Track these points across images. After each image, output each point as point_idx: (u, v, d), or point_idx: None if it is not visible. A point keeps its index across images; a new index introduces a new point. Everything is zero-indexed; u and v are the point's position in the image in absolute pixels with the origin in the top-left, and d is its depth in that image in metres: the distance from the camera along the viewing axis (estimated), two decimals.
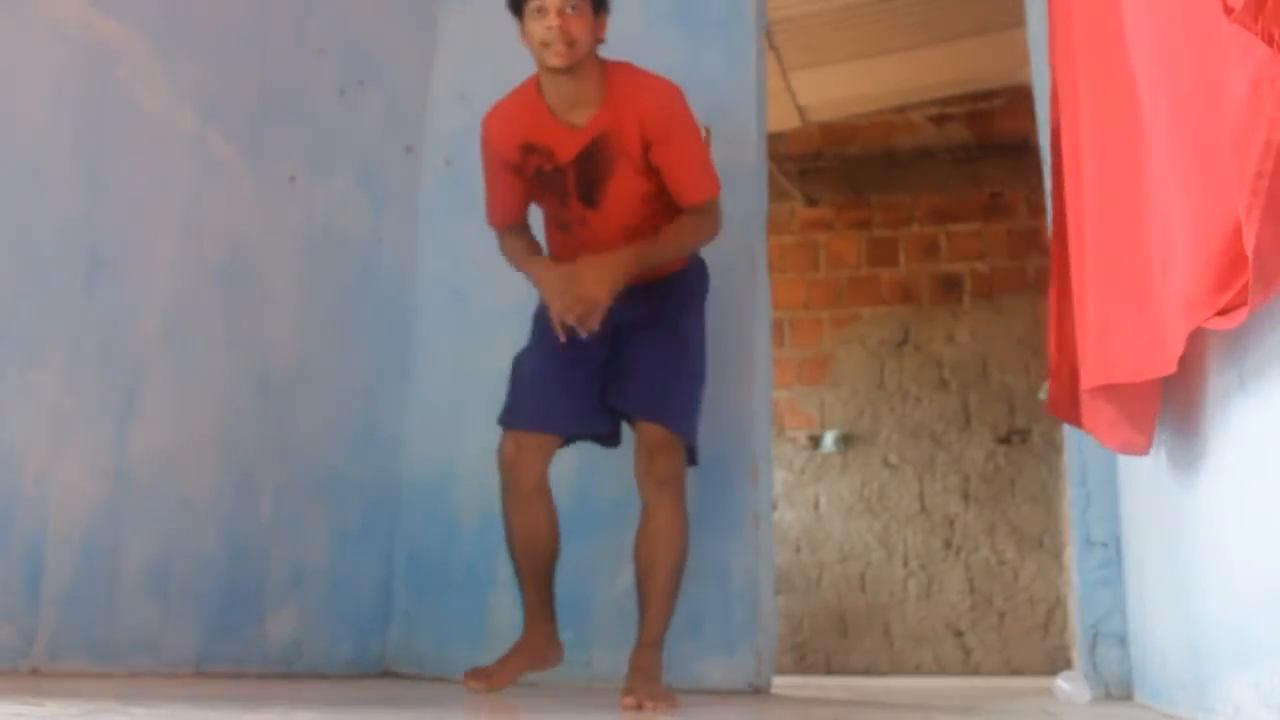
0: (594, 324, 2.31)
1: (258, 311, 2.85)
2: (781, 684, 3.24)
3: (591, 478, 3.03)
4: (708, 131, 3.12)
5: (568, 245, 2.52)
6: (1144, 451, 1.93)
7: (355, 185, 3.23)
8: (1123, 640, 2.61)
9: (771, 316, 3.29)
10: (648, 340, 2.47)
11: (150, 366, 2.53)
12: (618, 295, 2.34)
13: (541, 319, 2.48)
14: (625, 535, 2.97)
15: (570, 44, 2.30)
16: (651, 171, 2.42)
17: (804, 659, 5.98)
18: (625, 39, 3.31)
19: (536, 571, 2.48)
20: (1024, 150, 5.54)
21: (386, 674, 3.10)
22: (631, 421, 2.50)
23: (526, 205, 2.60)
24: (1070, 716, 2.10)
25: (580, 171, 2.42)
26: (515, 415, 2.46)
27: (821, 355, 6.35)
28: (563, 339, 2.34)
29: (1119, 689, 2.60)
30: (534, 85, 2.44)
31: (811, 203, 6.53)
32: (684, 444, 2.45)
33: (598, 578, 2.99)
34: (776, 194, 6.02)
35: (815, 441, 6.23)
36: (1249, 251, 1.08)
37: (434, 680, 3.00)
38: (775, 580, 3.48)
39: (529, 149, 2.45)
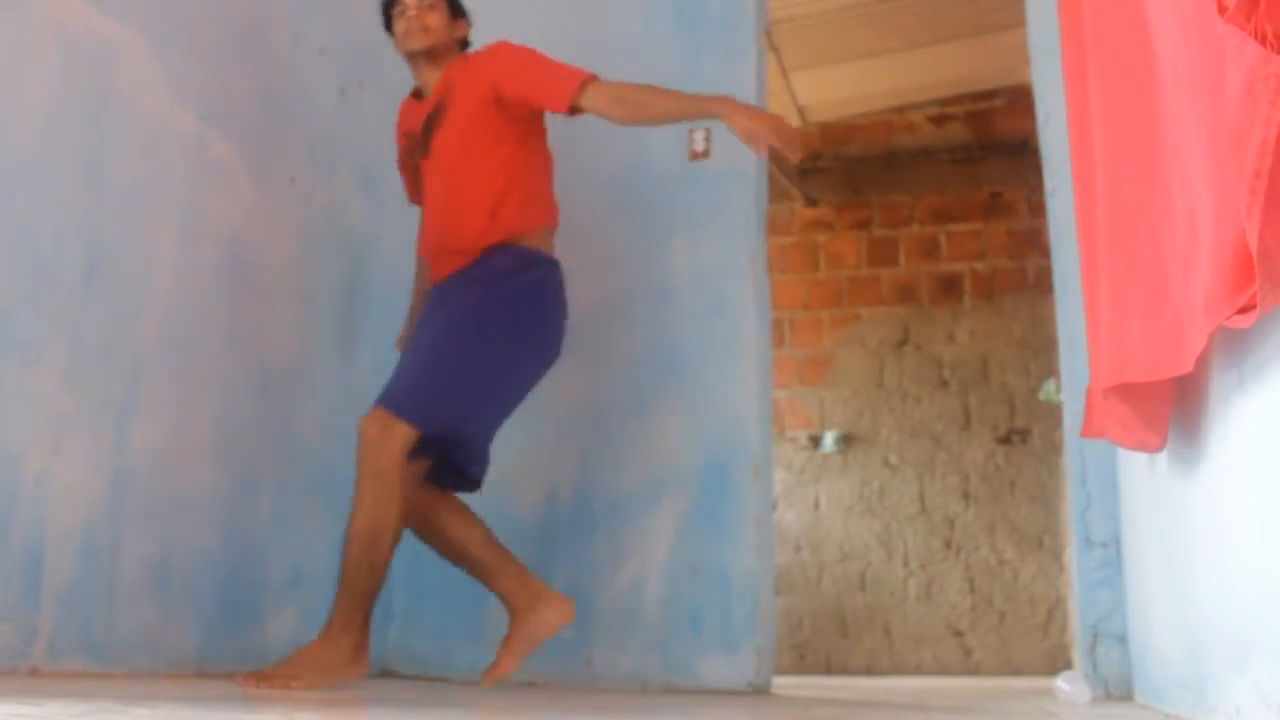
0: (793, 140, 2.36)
1: (258, 311, 2.85)
2: (781, 684, 3.24)
3: (591, 477, 3.03)
4: (708, 133, 3.12)
5: (424, 213, 2.70)
6: (1158, 449, 1.92)
7: (355, 185, 3.23)
8: (1123, 640, 2.61)
9: (771, 316, 3.29)
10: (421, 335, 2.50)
11: (150, 366, 2.53)
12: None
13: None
14: (625, 535, 2.98)
15: (424, 30, 2.58)
16: (480, 125, 2.52)
17: (804, 659, 5.98)
18: (625, 39, 3.31)
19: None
20: (1024, 150, 5.55)
21: (386, 674, 3.10)
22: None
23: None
24: (1070, 716, 2.10)
25: (423, 133, 2.62)
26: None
27: (821, 355, 6.35)
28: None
29: (1119, 689, 2.60)
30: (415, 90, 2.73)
31: (811, 203, 6.53)
32: (391, 416, 2.33)
33: (598, 578, 2.99)
34: (776, 194, 6.02)
35: (815, 441, 6.23)
36: (1252, 251, 1.08)
37: (434, 680, 3.00)
38: (775, 580, 3.48)
39: (406, 134, 2.72)
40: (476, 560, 2.50)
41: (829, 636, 6.02)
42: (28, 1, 2.31)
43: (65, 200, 2.36)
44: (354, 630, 2.28)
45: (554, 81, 2.49)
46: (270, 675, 2.19)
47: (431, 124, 2.60)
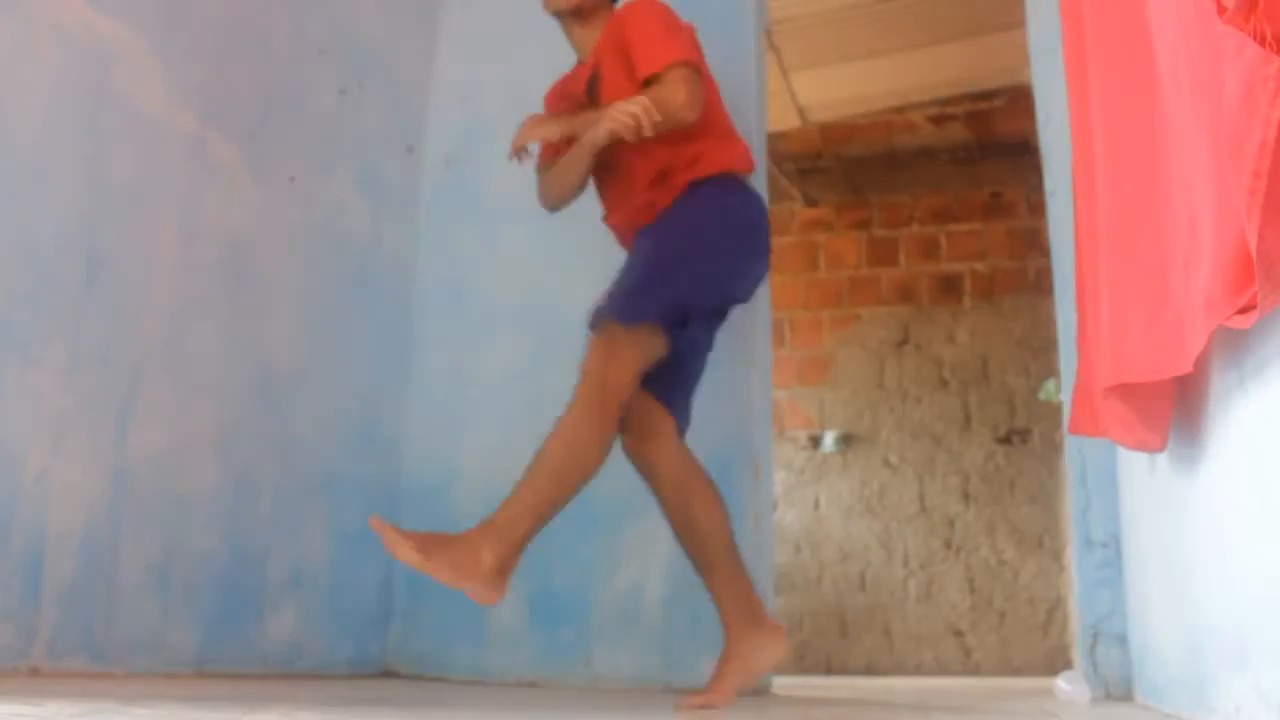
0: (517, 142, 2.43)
1: (258, 312, 2.85)
2: (781, 684, 3.24)
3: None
4: None
5: (605, 188, 2.57)
6: (1159, 449, 1.92)
7: (355, 185, 3.23)
8: (1123, 640, 2.61)
9: (771, 316, 3.29)
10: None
11: (150, 366, 2.53)
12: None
13: None
14: (625, 535, 2.98)
15: None
16: (629, 84, 2.38)
17: (804, 659, 5.98)
18: None
19: (703, 564, 2.27)
20: (1024, 150, 5.55)
21: (386, 674, 3.11)
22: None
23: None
24: (1070, 716, 2.10)
25: (585, 106, 2.47)
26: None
27: (821, 355, 6.35)
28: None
29: (1119, 689, 2.60)
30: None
31: (811, 203, 6.53)
32: (612, 323, 2.19)
33: (598, 577, 2.99)
34: (776, 194, 6.02)
35: (815, 441, 6.23)
36: (1252, 252, 1.08)
37: (434, 680, 3.00)
38: (775, 580, 3.48)
39: (565, 98, 2.56)
40: (711, 547, 2.28)
41: (829, 636, 6.02)
42: (27, 1, 2.31)
43: (65, 200, 2.36)
44: (508, 546, 2.02)
45: (654, 51, 2.35)
46: (399, 537, 1.94)
47: (592, 91, 2.47)
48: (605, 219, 2.60)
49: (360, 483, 3.11)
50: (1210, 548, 1.67)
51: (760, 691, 2.83)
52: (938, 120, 6.39)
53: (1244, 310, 1.24)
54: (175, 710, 1.52)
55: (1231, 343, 1.43)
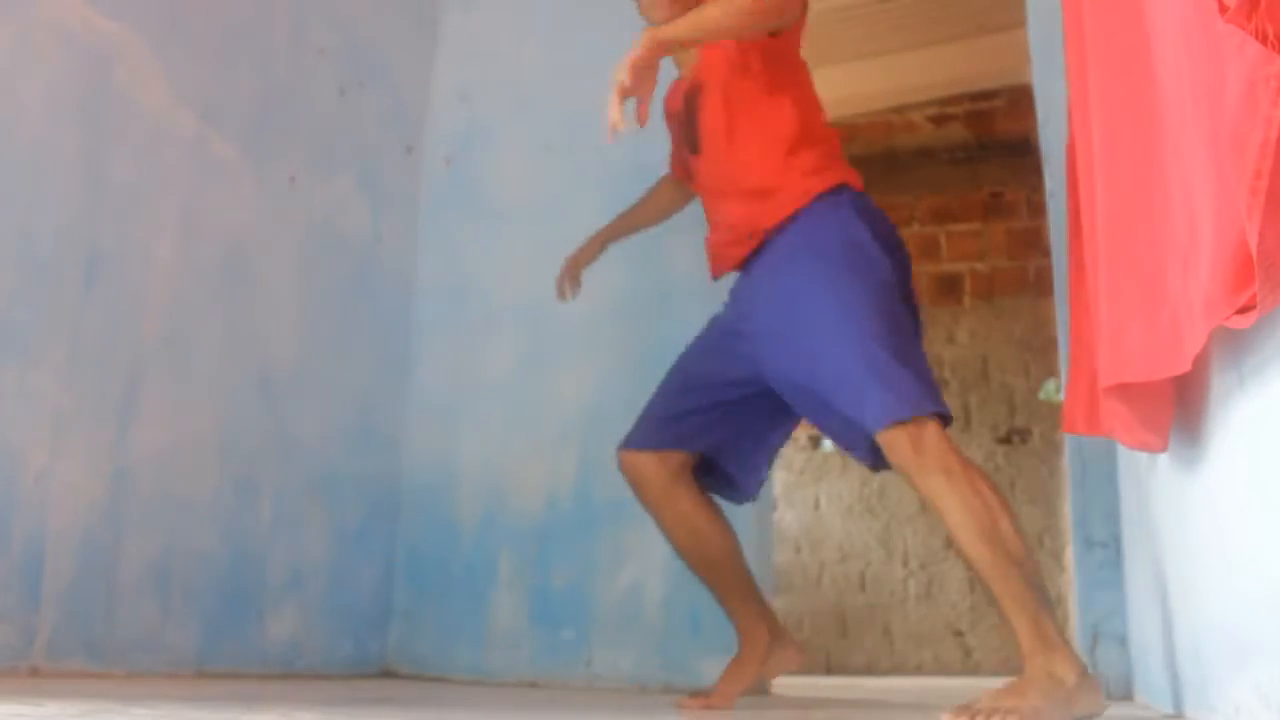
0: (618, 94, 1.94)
1: (258, 312, 2.85)
2: (781, 684, 3.24)
3: (591, 477, 3.03)
4: None
5: (705, 204, 2.33)
6: (1161, 449, 1.92)
7: (355, 185, 3.23)
8: (1123, 640, 2.61)
9: None
10: (773, 339, 2.06)
11: (150, 366, 2.53)
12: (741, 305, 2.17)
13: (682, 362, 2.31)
14: (625, 535, 2.98)
15: (650, 5, 2.28)
16: (729, 85, 2.16)
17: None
18: (626, 39, 3.31)
19: (714, 570, 2.23)
20: (1024, 150, 5.54)
21: (386, 674, 3.11)
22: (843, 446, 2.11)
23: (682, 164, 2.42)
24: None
25: (683, 122, 2.28)
26: (627, 437, 2.30)
27: None
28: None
29: (1119, 689, 2.60)
30: None
31: None
32: (916, 418, 1.87)
33: (598, 578, 2.99)
34: None
35: (815, 441, 6.23)
36: (1252, 253, 1.08)
37: (434, 680, 3.00)
38: (775, 580, 3.48)
39: (671, 116, 2.37)
40: (726, 571, 2.26)
41: (829, 636, 6.02)
42: (28, 1, 2.31)
43: (65, 200, 2.36)
44: (1065, 643, 1.82)
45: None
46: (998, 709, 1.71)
47: (689, 114, 2.25)
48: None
49: (360, 482, 3.11)
50: (1210, 547, 1.67)
51: (760, 691, 2.83)
52: (938, 120, 6.39)
53: (1243, 310, 1.24)
54: (175, 710, 1.52)
55: (1231, 343, 1.43)
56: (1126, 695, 2.58)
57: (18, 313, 2.23)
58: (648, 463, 2.25)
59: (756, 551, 2.92)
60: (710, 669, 2.85)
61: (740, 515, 2.93)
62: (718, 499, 2.33)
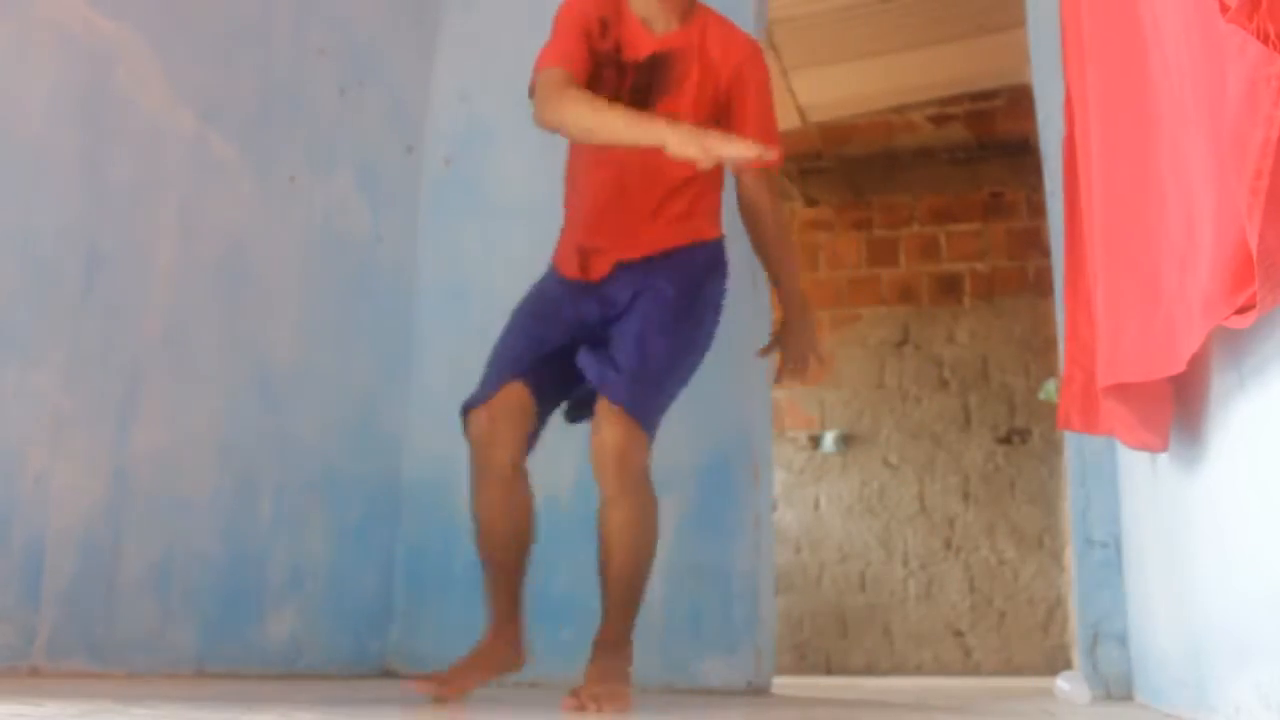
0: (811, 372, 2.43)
1: (258, 311, 2.85)
2: (781, 684, 3.24)
3: (591, 477, 3.02)
4: None
5: (599, 166, 2.31)
6: (1161, 449, 1.92)
7: (355, 185, 3.23)
8: (1123, 640, 2.61)
9: (772, 317, 3.28)
10: (643, 308, 2.21)
11: (150, 366, 2.53)
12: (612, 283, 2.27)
13: (525, 307, 2.36)
14: None
15: None
16: (706, 113, 2.27)
17: (804, 659, 5.98)
18: None
19: (509, 568, 2.24)
20: (1024, 150, 5.55)
21: (386, 674, 3.10)
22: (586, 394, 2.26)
23: (587, 73, 2.29)
24: (1070, 716, 2.10)
25: (639, 77, 2.29)
26: (482, 386, 2.26)
27: None
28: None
29: (1119, 689, 2.60)
30: None
31: (811, 203, 6.53)
32: (637, 427, 2.14)
33: (598, 578, 2.98)
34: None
35: (815, 441, 6.23)
36: (1252, 252, 1.08)
37: None
38: (775, 580, 3.48)
39: (605, 26, 2.31)
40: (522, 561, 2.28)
41: (829, 636, 6.02)
42: (28, 1, 2.31)
43: (65, 200, 2.36)
44: (630, 647, 2.22)
45: (772, 142, 2.24)
46: (596, 695, 1.97)
47: (652, 76, 2.29)
48: (573, 242, 2.36)
49: (360, 482, 3.11)
50: (1210, 548, 1.67)
51: (760, 691, 2.83)
52: (938, 120, 6.39)
53: (1242, 310, 1.24)
54: (175, 710, 1.52)
55: (1231, 343, 1.43)
56: (1126, 695, 2.58)
57: (18, 313, 2.23)
58: (514, 430, 2.23)
59: (756, 551, 2.92)
60: (710, 668, 2.85)
61: (740, 515, 2.93)
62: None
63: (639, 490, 2.16)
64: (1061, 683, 2.63)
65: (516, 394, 2.24)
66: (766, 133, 2.31)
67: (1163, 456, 1.99)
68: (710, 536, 2.91)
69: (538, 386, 2.25)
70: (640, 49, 2.30)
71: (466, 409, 2.28)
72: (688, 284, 2.28)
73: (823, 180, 6.53)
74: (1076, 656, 3.29)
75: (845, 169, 6.51)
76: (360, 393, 3.18)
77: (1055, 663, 5.45)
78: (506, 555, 2.24)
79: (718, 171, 2.33)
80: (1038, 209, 5.33)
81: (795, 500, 6.20)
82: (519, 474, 2.25)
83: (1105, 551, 2.69)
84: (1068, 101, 2.36)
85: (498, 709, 2.00)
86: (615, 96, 2.25)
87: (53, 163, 2.34)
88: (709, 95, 2.31)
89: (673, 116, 2.15)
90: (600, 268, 2.30)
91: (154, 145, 2.59)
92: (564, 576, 2.99)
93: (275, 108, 2.96)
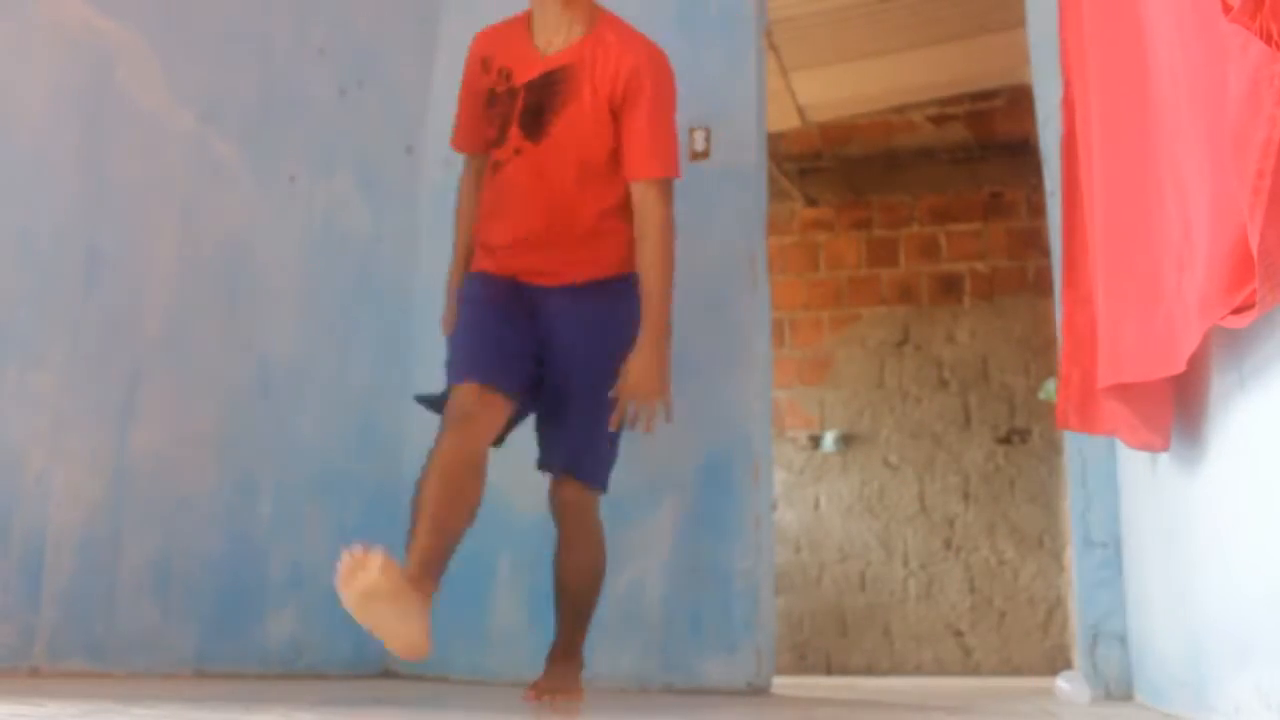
0: (654, 421, 2.31)
1: (258, 311, 2.85)
2: (781, 684, 3.24)
3: None
4: (708, 133, 3.12)
5: (500, 190, 2.35)
6: (1163, 449, 1.92)
7: (355, 185, 3.23)
8: (1123, 640, 2.61)
9: (771, 316, 3.28)
10: (584, 383, 2.30)
11: (150, 366, 2.52)
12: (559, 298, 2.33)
13: (470, 297, 2.38)
14: (625, 535, 2.97)
15: None
16: (605, 131, 2.28)
17: (804, 659, 5.98)
18: None
19: (449, 530, 2.16)
20: (1024, 150, 5.54)
21: (386, 674, 3.10)
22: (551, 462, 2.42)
23: (479, 133, 2.44)
24: (1070, 716, 2.10)
25: (530, 98, 2.31)
26: (473, 368, 2.25)
27: (821, 355, 6.34)
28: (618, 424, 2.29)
29: (1119, 689, 2.60)
30: (526, 14, 2.39)
31: (811, 203, 6.53)
32: (589, 489, 2.38)
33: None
34: (776, 194, 6.02)
35: (815, 441, 6.23)
36: (1254, 252, 1.08)
37: (434, 680, 3.00)
38: (775, 580, 3.48)
39: (488, 64, 2.39)
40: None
41: (829, 636, 6.02)
42: (28, 1, 2.31)
43: (65, 200, 2.36)
44: (580, 656, 2.42)
45: (663, 156, 2.31)
46: (553, 690, 2.27)
47: (543, 96, 2.30)
48: (497, 237, 2.36)
49: (360, 483, 3.11)
50: (1210, 547, 1.67)
51: (760, 691, 2.83)
52: (938, 120, 6.39)
53: (1240, 309, 1.24)
54: (175, 710, 1.52)
55: (1231, 343, 1.43)
56: (1126, 695, 2.58)
57: (18, 313, 2.23)
58: (497, 416, 2.26)
59: (756, 551, 2.92)
60: (710, 668, 2.85)
61: (740, 515, 2.93)
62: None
63: (592, 532, 2.38)
64: (1061, 683, 2.63)
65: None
66: (657, 143, 2.31)
67: (1163, 456, 1.99)
68: (710, 536, 2.91)
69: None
70: (529, 71, 2.33)
71: None
72: (620, 327, 2.31)
73: (823, 180, 6.53)
74: (1076, 656, 3.29)
75: (845, 169, 6.50)
76: (360, 393, 3.17)
77: (1055, 663, 5.44)
78: (453, 528, 2.17)
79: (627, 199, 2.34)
80: (1038, 209, 5.33)
81: (795, 500, 6.20)
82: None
83: (1105, 551, 2.69)
84: (1066, 98, 2.36)
85: (499, 709, 2.00)
86: (506, 122, 2.32)
87: (53, 162, 2.34)
88: (604, 107, 2.29)
89: (567, 144, 2.28)
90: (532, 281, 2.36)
91: (154, 145, 2.59)
92: None
93: (275, 108, 2.95)
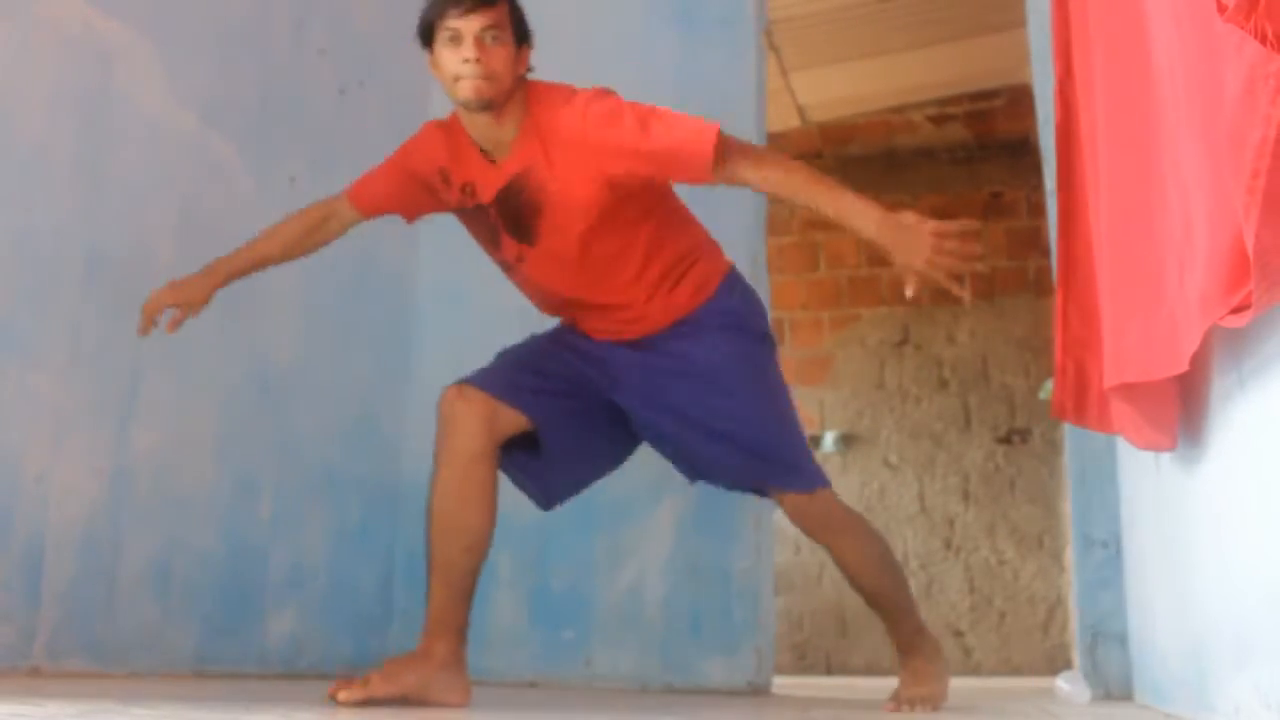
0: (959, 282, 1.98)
1: (257, 311, 2.85)
2: (781, 684, 3.24)
3: None
4: None
5: (523, 286, 2.28)
6: (1170, 448, 1.92)
7: None
8: (1123, 640, 2.61)
9: (771, 316, 3.28)
10: (724, 423, 2.20)
11: (150, 366, 2.53)
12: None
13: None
14: (625, 535, 2.98)
15: (488, 78, 2.00)
16: (601, 196, 2.07)
17: (804, 659, 5.98)
18: (625, 39, 3.31)
19: (453, 565, 2.09)
20: (1024, 150, 5.55)
21: None
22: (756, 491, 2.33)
23: (392, 210, 2.34)
24: (1070, 716, 2.10)
25: (503, 209, 2.12)
26: (469, 377, 2.16)
27: (821, 355, 6.34)
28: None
29: (1119, 689, 2.60)
30: (455, 118, 2.17)
31: None
32: (823, 491, 2.25)
33: (597, 577, 2.99)
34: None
35: (815, 442, 6.22)
36: (1249, 252, 1.08)
37: None
38: (775, 580, 3.48)
39: (447, 177, 2.18)
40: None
41: (829, 636, 6.02)
42: (28, 1, 2.31)
43: (65, 200, 2.36)
44: (929, 642, 2.41)
45: (698, 140, 1.99)
46: (911, 699, 2.25)
47: (516, 204, 2.11)
48: (552, 304, 2.27)
49: (360, 482, 3.11)
50: (1210, 548, 1.67)
51: (760, 691, 2.83)
52: (937, 120, 6.39)
53: (1238, 309, 1.24)
54: (175, 710, 1.52)
55: (1232, 343, 1.43)
56: (1126, 695, 2.58)
57: (18, 313, 2.23)
58: (479, 411, 2.08)
59: (756, 551, 2.92)
60: (710, 668, 2.85)
61: (740, 515, 2.93)
62: None
63: (847, 527, 2.29)
64: (1061, 683, 2.63)
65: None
66: (678, 138, 2.02)
67: (1163, 456, 1.99)
68: (710, 536, 2.91)
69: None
70: (492, 185, 2.12)
71: None
72: (724, 353, 2.22)
73: None
74: (1076, 656, 3.29)
75: (845, 169, 6.50)
76: (360, 393, 3.18)
77: (1055, 663, 5.44)
78: (457, 553, 2.11)
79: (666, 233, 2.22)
80: (1038, 209, 5.33)
81: None
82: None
83: (1105, 551, 2.69)
84: (1058, 90, 2.36)
85: (499, 709, 2.00)
86: (495, 233, 2.16)
87: (53, 163, 2.34)
88: (589, 183, 2.05)
89: (565, 236, 2.09)
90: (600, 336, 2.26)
91: (154, 145, 2.59)
92: (564, 576, 2.99)
93: (275, 108, 2.96)
